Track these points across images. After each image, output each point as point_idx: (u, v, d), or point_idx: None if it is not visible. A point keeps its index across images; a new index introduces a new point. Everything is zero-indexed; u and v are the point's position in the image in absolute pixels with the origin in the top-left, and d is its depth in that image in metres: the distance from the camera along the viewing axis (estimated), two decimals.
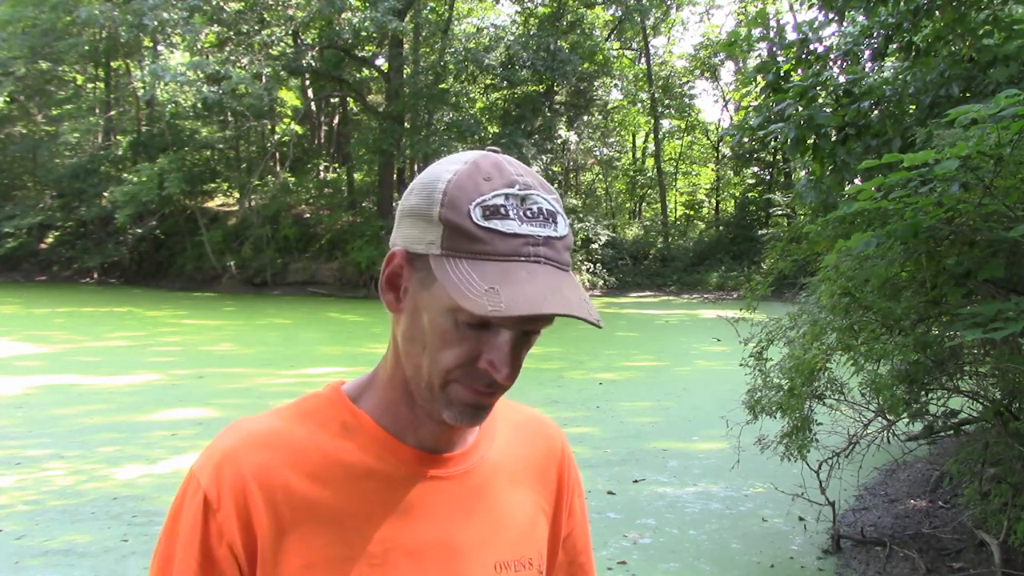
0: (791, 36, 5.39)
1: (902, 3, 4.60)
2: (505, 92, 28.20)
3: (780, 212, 24.85)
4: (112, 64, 28.92)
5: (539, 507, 0.97)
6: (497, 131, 26.60)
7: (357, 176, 29.87)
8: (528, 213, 0.77)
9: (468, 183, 0.77)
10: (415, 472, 0.86)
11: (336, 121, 31.62)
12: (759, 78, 5.37)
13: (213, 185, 28.93)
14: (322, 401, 0.89)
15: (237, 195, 28.15)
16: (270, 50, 24.47)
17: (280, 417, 0.87)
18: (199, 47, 24.48)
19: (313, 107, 30.30)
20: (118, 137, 29.33)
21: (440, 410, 0.81)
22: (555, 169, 28.62)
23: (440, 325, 0.78)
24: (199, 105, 24.48)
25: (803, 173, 6.72)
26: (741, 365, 4.52)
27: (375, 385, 0.89)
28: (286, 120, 27.86)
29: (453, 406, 0.81)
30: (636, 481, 5.62)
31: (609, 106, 32.80)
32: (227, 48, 24.38)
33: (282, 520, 0.81)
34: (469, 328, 0.78)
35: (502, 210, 0.76)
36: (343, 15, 24.11)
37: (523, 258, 0.76)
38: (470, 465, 0.90)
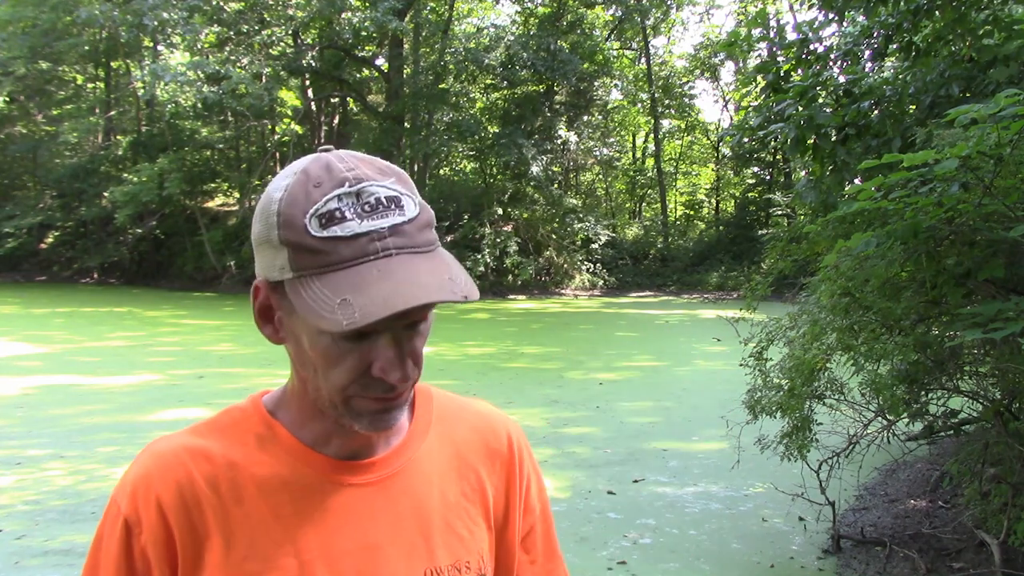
0: (791, 36, 5.38)
1: (902, 3, 4.60)
2: (505, 92, 28.19)
3: (780, 212, 24.89)
4: (112, 64, 28.93)
5: (482, 507, 0.93)
6: (497, 131, 26.57)
7: None
8: (367, 208, 0.73)
9: (299, 195, 0.74)
10: (332, 481, 0.84)
11: (336, 121, 31.60)
12: (759, 78, 5.37)
13: (213, 185, 28.93)
14: (239, 414, 0.88)
15: (237, 195, 28.14)
16: (270, 50, 24.49)
17: (196, 434, 0.86)
18: (199, 47, 24.47)
19: (313, 107, 30.26)
20: (118, 137, 29.33)
21: (351, 423, 0.80)
22: (555, 169, 28.62)
23: (320, 346, 0.76)
24: (199, 105, 24.45)
25: (803, 173, 6.71)
26: (741, 365, 4.51)
27: (288, 397, 0.88)
28: (286, 120, 27.86)
29: (362, 416, 0.79)
30: (636, 481, 5.62)
31: (609, 106, 32.79)
32: (227, 48, 24.39)
33: (199, 537, 0.80)
34: (347, 342, 0.75)
35: (337, 213, 0.72)
36: (343, 15, 24.11)
37: (371, 256, 0.72)
38: (394, 468, 0.87)
